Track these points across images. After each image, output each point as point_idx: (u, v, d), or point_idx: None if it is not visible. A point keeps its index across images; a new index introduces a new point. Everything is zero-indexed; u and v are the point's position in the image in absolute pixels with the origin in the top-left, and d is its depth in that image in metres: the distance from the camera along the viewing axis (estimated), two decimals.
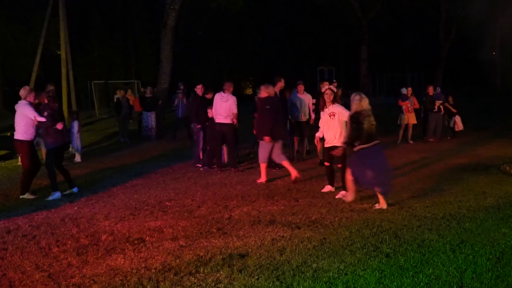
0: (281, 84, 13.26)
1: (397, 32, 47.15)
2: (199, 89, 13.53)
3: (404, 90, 18.13)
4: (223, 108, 12.41)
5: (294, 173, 10.98)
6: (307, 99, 13.94)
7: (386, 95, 37.53)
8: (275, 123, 11.11)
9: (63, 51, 24.29)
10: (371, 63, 40.11)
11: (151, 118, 20.44)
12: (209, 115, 12.74)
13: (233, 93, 12.72)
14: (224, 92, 12.55)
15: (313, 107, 13.89)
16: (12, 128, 11.67)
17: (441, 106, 17.90)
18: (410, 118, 17.84)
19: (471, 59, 44.36)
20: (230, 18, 42.51)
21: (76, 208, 9.02)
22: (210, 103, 12.89)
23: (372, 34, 40.33)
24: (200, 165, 13.18)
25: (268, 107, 11.23)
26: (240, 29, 47.67)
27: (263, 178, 11.19)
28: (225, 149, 13.14)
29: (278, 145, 11.27)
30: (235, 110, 12.47)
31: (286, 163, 11.27)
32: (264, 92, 11.41)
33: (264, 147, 11.23)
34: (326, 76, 36.43)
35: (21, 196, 10.17)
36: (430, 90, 18.21)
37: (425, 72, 43.20)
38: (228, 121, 12.43)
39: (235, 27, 46.48)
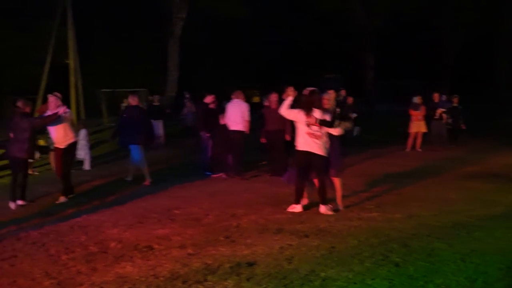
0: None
1: (402, 39, 47.05)
2: (209, 99, 13.50)
3: (415, 99, 18.08)
4: (236, 115, 12.51)
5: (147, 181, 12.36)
6: None
7: (390, 102, 37.44)
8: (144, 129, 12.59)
9: (71, 60, 24.41)
10: (376, 70, 40.09)
11: (158, 127, 20.41)
12: (221, 122, 12.81)
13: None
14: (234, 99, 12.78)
15: None
16: None
17: (443, 114, 17.83)
18: (420, 127, 17.81)
19: (477, 66, 44.36)
20: (234, 26, 42.60)
21: (84, 215, 9.04)
22: (216, 112, 12.99)
23: (377, 41, 40.30)
24: (209, 173, 13.16)
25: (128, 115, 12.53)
26: (244, 37, 47.70)
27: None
28: (230, 157, 13.09)
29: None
30: (247, 117, 12.56)
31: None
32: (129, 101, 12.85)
33: (138, 151, 12.46)
34: (332, 84, 36.28)
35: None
36: (435, 97, 18.22)
37: (431, 80, 43.06)
38: (239, 128, 12.50)
39: (239, 35, 46.52)
